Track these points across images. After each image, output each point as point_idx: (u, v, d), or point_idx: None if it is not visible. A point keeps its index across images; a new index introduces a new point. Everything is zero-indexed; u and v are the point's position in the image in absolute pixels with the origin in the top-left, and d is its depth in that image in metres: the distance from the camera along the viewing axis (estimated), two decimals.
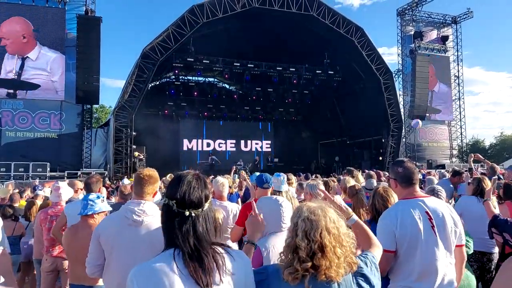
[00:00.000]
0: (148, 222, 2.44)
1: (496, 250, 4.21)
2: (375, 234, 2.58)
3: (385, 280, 2.61)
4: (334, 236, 1.64)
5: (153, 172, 2.69)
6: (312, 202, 1.82)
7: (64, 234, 3.64)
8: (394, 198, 3.12)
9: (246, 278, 1.56)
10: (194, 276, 1.43)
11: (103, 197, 3.60)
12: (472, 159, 7.59)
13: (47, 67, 19.17)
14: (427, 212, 2.54)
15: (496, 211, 3.75)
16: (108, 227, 2.54)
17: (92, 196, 3.49)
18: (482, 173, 7.49)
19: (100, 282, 3.17)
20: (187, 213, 1.53)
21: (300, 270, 1.60)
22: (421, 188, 4.78)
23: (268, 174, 4.15)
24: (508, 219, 3.27)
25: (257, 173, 7.14)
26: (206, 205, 1.58)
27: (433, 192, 3.71)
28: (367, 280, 1.69)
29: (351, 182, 5.20)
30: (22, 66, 18.81)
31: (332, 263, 1.59)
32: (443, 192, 3.94)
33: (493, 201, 4.12)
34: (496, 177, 5.75)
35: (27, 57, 18.91)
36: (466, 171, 7.03)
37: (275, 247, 2.62)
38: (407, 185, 2.68)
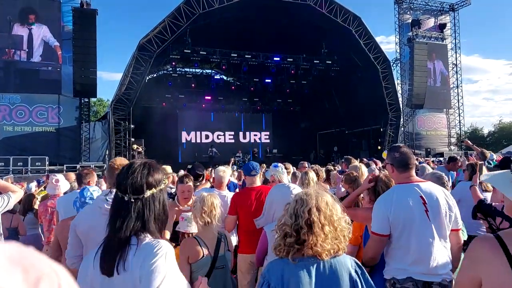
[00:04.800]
0: None
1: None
2: (372, 222, 2.63)
3: (381, 263, 2.64)
4: (325, 215, 1.70)
5: (125, 161, 2.69)
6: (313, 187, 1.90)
7: (59, 227, 3.55)
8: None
9: (140, 274, 1.44)
10: (100, 264, 1.50)
11: (99, 191, 3.50)
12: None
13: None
14: (421, 197, 2.56)
15: (490, 195, 3.79)
16: (83, 218, 2.58)
17: (88, 193, 3.26)
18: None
19: None
20: (126, 198, 1.54)
21: (282, 245, 1.68)
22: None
23: (256, 162, 4.23)
24: (493, 204, 3.31)
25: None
26: (148, 192, 1.56)
27: (436, 178, 3.72)
28: (364, 275, 1.73)
29: (362, 169, 5.26)
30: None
31: (319, 238, 1.65)
32: (444, 177, 3.96)
33: (488, 185, 4.15)
34: (482, 162, 5.79)
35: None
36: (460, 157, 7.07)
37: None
38: (403, 169, 2.71)
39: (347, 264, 1.70)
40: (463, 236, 3.30)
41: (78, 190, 4.11)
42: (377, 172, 5.64)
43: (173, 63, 22.94)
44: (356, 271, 1.70)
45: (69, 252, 2.62)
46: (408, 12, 26.98)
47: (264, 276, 1.73)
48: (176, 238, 3.35)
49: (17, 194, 3.65)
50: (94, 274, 1.51)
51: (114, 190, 2.51)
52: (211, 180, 5.63)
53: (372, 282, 1.75)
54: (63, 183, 4.95)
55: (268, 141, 29.94)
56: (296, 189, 2.89)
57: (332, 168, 7.92)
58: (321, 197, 1.76)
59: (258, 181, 4.08)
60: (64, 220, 3.65)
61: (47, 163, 17.68)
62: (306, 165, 7.70)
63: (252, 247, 3.52)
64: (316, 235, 1.65)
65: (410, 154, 2.78)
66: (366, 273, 1.75)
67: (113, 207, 1.59)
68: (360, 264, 1.76)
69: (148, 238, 1.53)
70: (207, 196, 3.02)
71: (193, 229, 3.07)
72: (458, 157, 7.99)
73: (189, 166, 5.40)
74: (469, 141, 7.79)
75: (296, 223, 1.69)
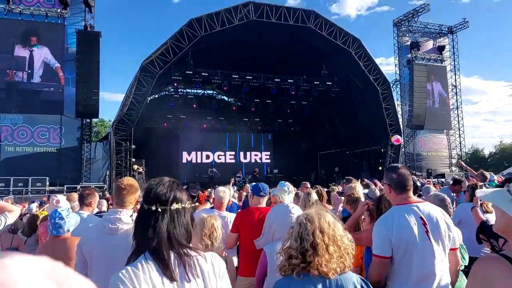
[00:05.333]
0: (124, 230, 2.45)
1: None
2: (374, 244, 2.63)
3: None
4: (328, 236, 1.76)
5: (133, 181, 2.71)
6: (312, 208, 1.96)
7: (40, 249, 3.52)
8: None
9: (218, 279, 1.59)
10: (162, 270, 1.50)
11: (69, 210, 3.46)
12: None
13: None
14: (421, 218, 2.55)
15: (491, 216, 3.77)
16: (88, 237, 2.58)
17: (56, 214, 3.28)
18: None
19: None
20: (153, 208, 1.59)
21: (287, 266, 1.75)
22: (419, 196, 4.80)
23: (265, 184, 4.17)
24: None
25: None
26: (175, 205, 1.63)
27: (438, 200, 3.70)
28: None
29: (357, 188, 5.24)
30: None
31: (323, 258, 1.71)
32: (447, 199, 3.93)
33: (489, 206, 4.14)
34: (483, 183, 5.76)
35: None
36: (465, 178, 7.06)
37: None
38: (400, 191, 2.70)
39: (353, 279, 1.76)
40: (464, 260, 3.26)
41: (81, 212, 4.11)
42: (377, 193, 5.63)
43: (175, 84, 23.15)
44: (362, 286, 1.75)
45: (75, 271, 2.59)
46: (407, 35, 27.36)
47: None
48: None
49: (13, 213, 3.63)
50: (152, 279, 1.50)
51: (122, 210, 2.50)
52: (211, 200, 5.61)
53: None
54: (63, 204, 4.94)
55: (269, 161, 29.96)
56: (295, 209, 2.89)
57: (334, 188, 7.92)
58: (323, 218, 1.82)
59: (264, 203, 4.00)
60: (46, 241, 3.63)
61: (47, 183, 17.67)
62: (308, 186, 7.68)
63: (252, 269, 3.48)
64: (321, 256, 1.71)
65: (408, 175, 2.76)
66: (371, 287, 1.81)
67: (140, 218, 1.63)
68: (366, 280, 1.81)
69: (200, 250, 1.66)
70: (207, 218, 2.99)
71: None
72: (464, 179, 7.96)
73: (184, 187, 5.36)
74: (463, 162, 7.80)
75: (302, 246, 1.74)
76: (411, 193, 2.73)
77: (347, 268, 1.77)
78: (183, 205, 1.67)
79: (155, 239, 1.55)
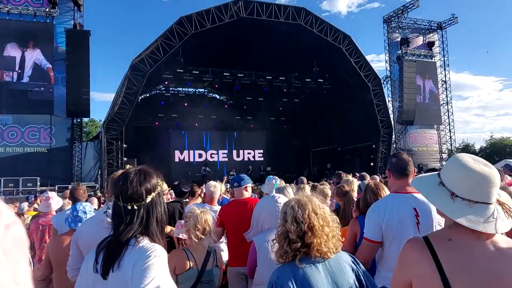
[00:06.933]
0: None
1: None
2: (365, 228, 2.66)
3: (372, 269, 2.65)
4: (321, 217, 1.80)
5: None
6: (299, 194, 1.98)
7: (52, 243, 3.55)
8: (385, 191, 3.15)
9: (132, 272, 1.49)
10: (101, 265, 1.57)
11: (91, 208, 3.45)
12: None
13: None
14: (415, 209, 2.56)
15: None
16: (85, 231, 2.59)
17: (80, 207, 3.31)
18: None
19: None
20: (129, 207, 1.60)
21: (290, 251, 1.74)
22: None
23: (246, 175, 4.24)
24: None
25: None
26: (149, 198, 1.63)
27: None
28: (360, 266, 1.85)
29: (354, 182, 5.28)
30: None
31: (322, 239, 1.74)
32: None
33: None
34: None
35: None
36: None
37: (271, 242, 2.69)
38: (399, 175, 2.72)
39: (346, 258, 1.84)
40: None
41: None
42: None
43: (166, 83, 23.08)
44: (353, 263, 1.84)
45: (70, 265, 2.64)
46: (397, 31, 27.49)
47: (275, 283, 1.70)
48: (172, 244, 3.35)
49: None
50: (95, 277, 1.57)
51: None
52: (202, 195, 5.62)
53: (368, 272, 1.88)
54: (55, 200, 4.93)
55: (262, 159, 29.93)
56: (281, 198, 2.93)
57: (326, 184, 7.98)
58: (313, 201, 1.86)
59: (245, 194, 4.06)
60: (57, 237, 3.63)
61: (38, 184, 17.52)
62: (305, 181, 7.74)
63: (239, 260, 3.54)
64: (319, 237, 1.74)
65: (408, 161, 2.77)
66: (361, 264, 1.87)
67: (115, 216, 1.64)
68: (356, 258, 1.89)
69: (145, 240, 1.60)
70: (200, 214, 3.02)
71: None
72: None
73: (175, 183, 5.42)
74: None
75: (299, 228, 1.76)
76: (409, 180, 2.72)
77: (339, 248, 1.82)
78: (156, 192, 1.67)
79: (118, 235, 1.58)
